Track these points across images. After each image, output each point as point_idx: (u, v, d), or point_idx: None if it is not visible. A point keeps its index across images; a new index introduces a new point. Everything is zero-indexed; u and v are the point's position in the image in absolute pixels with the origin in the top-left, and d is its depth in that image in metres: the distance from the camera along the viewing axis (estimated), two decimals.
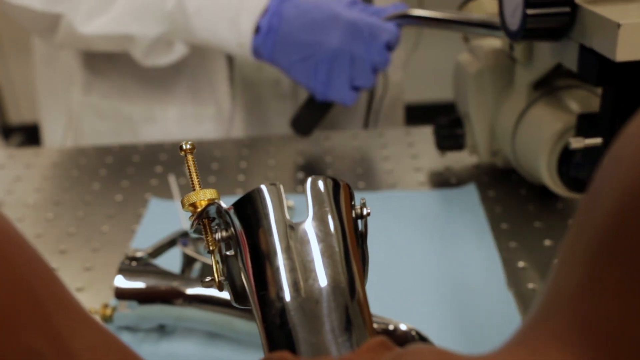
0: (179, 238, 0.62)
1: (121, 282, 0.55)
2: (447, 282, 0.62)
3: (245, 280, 0.37)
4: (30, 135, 2.41)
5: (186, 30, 0.85)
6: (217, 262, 0.38)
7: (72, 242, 0.72)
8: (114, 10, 0.86)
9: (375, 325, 0.50)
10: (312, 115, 0.88)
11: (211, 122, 0.97)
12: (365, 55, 0.80)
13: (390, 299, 0.60)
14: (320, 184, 0.37)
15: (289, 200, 0.70)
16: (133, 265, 0.56)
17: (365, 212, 0.38)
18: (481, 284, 0.62)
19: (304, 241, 0.36)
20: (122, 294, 0.55)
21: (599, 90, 0.62)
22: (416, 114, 1.32)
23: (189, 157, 0.39)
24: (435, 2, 0.95)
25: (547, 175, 0.67)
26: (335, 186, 0.38)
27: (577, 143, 0.59)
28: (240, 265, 0.37)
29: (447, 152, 0.82)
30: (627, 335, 0.27)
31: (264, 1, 0.82)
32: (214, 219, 0.39)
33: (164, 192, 0.80)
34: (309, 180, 0.37)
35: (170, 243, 0.62)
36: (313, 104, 0.87)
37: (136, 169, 0.87)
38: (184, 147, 0.39)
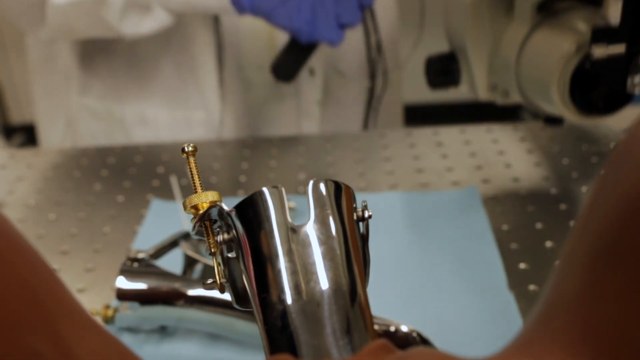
0: (181, 238, 0.62)
1: (123, 283, 0.55)
2: (449, 284, 0.62)
3: (247, 282, 0.37)
4: (31, 135, 2.41)
5: None
6: (218, 264, 0.38)
7: (73, 242, 0.72)
8: None
9: (376, 327, 0.50)
10: (294, 59, 0.85)
11: (201, 126, 0.97)
12: None
13: (392, 301, 0.60)
14: (322, 186, 0.37)
15: (290, 202, 0.69)
16: (134, 266, 0.56)
17: (366, 214, 0.38)
18: (482, 285, 0.62)
19: (305, 244, 0.36)
20: (123, 295, 0.55)
21: (602, 9, 0.60)
22: (416, 114, 1.32)
23: (191, 159, 0.39)
24: (435, 1, 0.95)
25: (559, 100, 0.64)
26: (337, 189, 0.38)
27: (599, 51, 0.57)
28: (242, 267, 0.37)
29: (440, 89, 0.78)
30: (627, 339, 0.27)
31: None
32: (215, 221, 0.39)
33: (166, 193, 0.80)
34: (311, 183, 0.37)
35: (171, 244, 0.62)
36: (295, 48, 0.85)
37: (138, 170, 0.87)
38: (186, 149, 0.39)
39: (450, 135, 0.92)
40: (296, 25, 0.81)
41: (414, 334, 0.51)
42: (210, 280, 0.38)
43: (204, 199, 0.38)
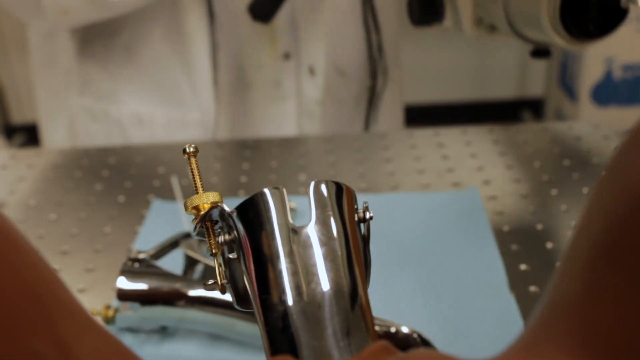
0: (182, 238, 0.62)
1: (123, 283, 0.55)
2: (449, 285, 0.62)
3: (248, 283, 0.37)
4: (32, 135, 2.42)
5: None
6: (219, 265, 0.38)
7: (74, 243, 0.72)
8: None
9: (377, 328, 0.50)
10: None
11: (196, 126, 0.97)
12: None
13: (392, 302, 0.60)
14: (323, 188, 0.37)
15: (291, 202, 0.70)
16: (135, 267, 0.56)
17: (367, 215, 0.38)
18: (483, 286, 0.62)
19: (306, 245, 0.36)
20: (124, 296, 0.55)
21: None
22: (416, 115, 1.32)
23: (192, 160, 0.39)
24: None
25: (549, 26, 0.62)
26: (338, 190, 0.38)
27: None
28: (243, 268, 0.37)
29: (423, 26, 0.74)
30: (627, 340, 0.27)
31: None
32: (216, 222, 0.39)
33: (167, 193, 0.80)
34: (312, 184, 0.37)
35: (172, 244, 0.62)
36: None
37: (139, 170, 0.87)
38: (188, 150, 0.39)
39: (451, 136, 0.92)
40: None
41: (415, 335, 0.51)
42: (211, 281, 0.38)
43: (205, 199, 0.38)
